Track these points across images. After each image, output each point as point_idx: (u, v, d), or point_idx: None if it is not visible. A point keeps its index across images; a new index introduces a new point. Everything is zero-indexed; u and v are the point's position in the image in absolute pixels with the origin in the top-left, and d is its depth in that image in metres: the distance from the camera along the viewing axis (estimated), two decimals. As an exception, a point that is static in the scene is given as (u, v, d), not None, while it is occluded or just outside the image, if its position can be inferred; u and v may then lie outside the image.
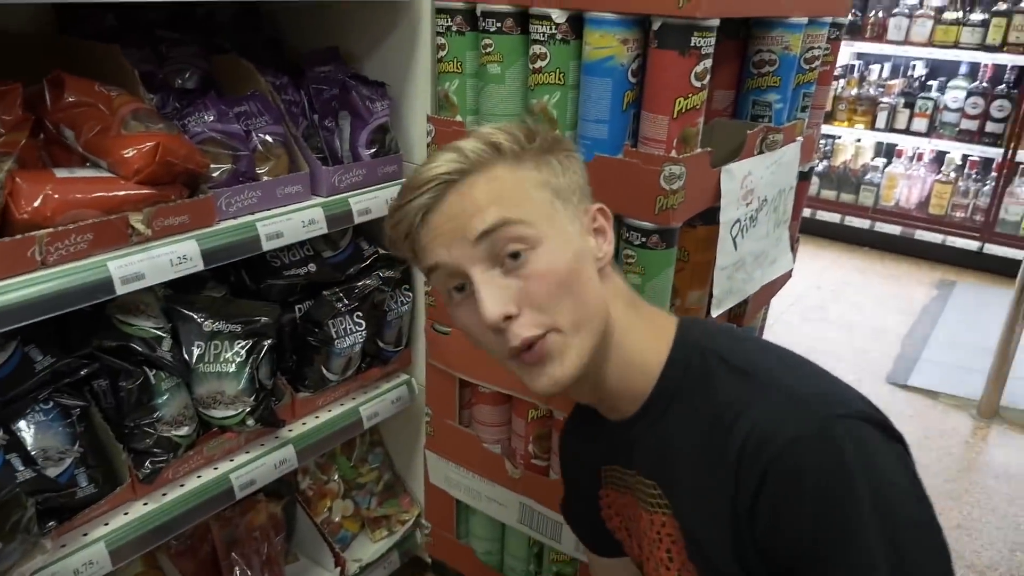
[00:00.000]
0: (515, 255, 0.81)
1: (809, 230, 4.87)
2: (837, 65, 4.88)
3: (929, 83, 4.68)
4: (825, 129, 4.93)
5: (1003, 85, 4.33)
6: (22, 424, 1.14)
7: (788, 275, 1.70)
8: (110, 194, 1.09)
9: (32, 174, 1.06)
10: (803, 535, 0.73)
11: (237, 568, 1.56)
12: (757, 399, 0.79)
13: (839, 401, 0.77)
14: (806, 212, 4.86)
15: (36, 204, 1.02)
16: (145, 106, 1.19)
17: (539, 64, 1.26)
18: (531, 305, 0.81)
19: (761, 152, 1.39)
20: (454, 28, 1.35)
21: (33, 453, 1.13)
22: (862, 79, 4.83)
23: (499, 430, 1.58)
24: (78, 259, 1.07)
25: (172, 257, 1.16)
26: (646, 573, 0.98)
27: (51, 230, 1.03)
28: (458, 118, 1.41)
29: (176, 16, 1.56)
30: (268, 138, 1.35)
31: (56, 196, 1.04)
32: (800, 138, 1.52)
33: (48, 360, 1.18)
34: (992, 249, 4.40)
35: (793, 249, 1.76)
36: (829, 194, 4.90)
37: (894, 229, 4.69)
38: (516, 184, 0.83)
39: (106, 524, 1.22)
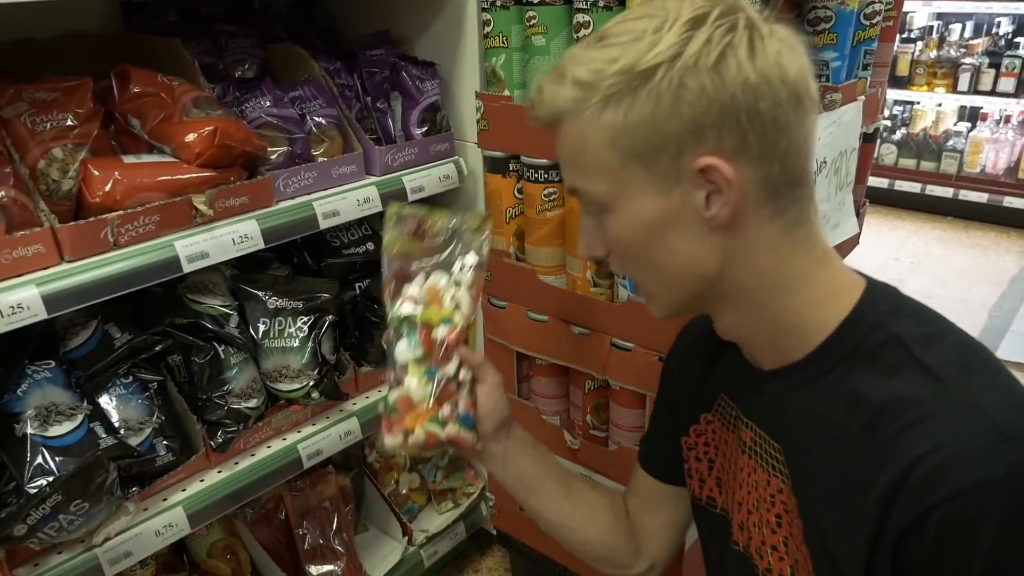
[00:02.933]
0: (595, 211, 0.80)
1: (887, 201, 4.68)
2: (915, 26, 4.63)
3: (1016, 40, 4.40)
4: (903, 95, 4.71)
5: (1099, 37, 4.04)
6: (105, 396, 1.22)
7: (855, 240, 1.65)
8: (174, 177, 1.15)
9: (102, 161, 1.13)
10: None
11: (309, 536, 1.63)
12: (944, 415, 0.68)
13: None
14: (883, 183, 4.67)
15: (107, 189, 1.09)
16: (205, 94, 1.25)
17: (584, 33, 1.26)
18: (615, 256, 0.82)
19: (819, 112, 1.35)
20: (498, 3, 1.36)
21: (115, 423, 1.21)
22: (942, 40, 4.59)
23: (557, 402, 1.60)
24: (147, 239, 1.14)
25: (234, 236, 1.21)
26: (733, 519, 0.91)
27: (121, 212, 1.10)
28: (506, 92, 1.42)
29: (235, 9, 1.62)
30: (322, 121, 1.39)
31: (124, 180, 1.10)
32: (862, 97, 1.47)
33: (126, 337, 1.26)
34: (1089, 213, 4.13)
35: (859, 214, 1.70)
36: (908, 163, 4.69)
37: (980, 197, 4.45)
38: (589, 143, 0.74)
39: (183, 490, 1.29)
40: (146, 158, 1.17)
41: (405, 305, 0.97)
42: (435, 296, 0.98)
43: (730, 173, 0.70)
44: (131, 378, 1.27)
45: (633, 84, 0.70)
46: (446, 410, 0.95)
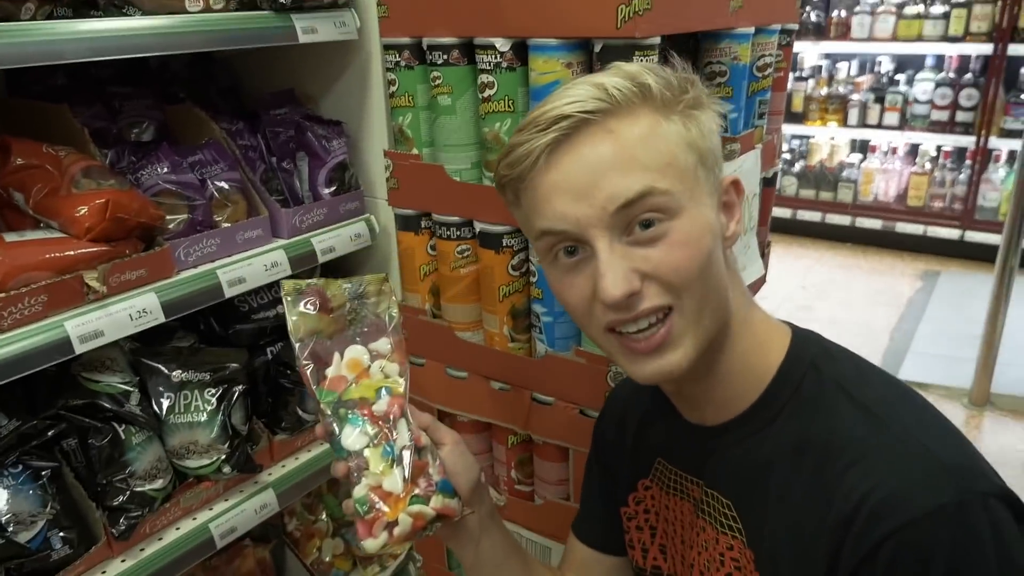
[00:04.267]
0: (647, 223, 0.72)
1: (791, 230, 4.90)
2: (806, 66, 4.92)
3: (897, 77, 4.73)
4: (798, 130, 4.97)
5: (969, 74, 4.39)
6: (-10, 490, 1.13)
7: (762, 280, 1.70)
8: (62, 254, 1.09)
9: (-18, 240, 1.06)
10: None
11: (226, 618, 1.55)
12: (886, 450, 0.70)
13: (979, 475, 0.69)
14: (786, 212, 4.90)
15: (-13, 270, 1.02)
16: (95, 163, 1.19)
17: (488, 93, 1.27)
18: (656, 277, 0.73)
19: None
20: (403, 63, 1.36)
21: (3, 519, 1.12)
22: (831, 78, 4.89)
23: (481, 458, 1.57)
24: (34, 321, 1.07)
25: (131, 312, 1.16)
26: None
27: (3, 295, 1.03)
28: (414, 151, 1.42)
29: (129, 70, 1.56)
30: (224, 185, 1.35)
31: (6, 260, 1.04)
32: (759, 145, 1.53)
33: (14, 424, 1.17)
34: (973, 236, 4.44)
35: (764, 254, 1.76)
36: (808, 193, 4.94)
37: (875, 223, 4.72)
38: (664, 141, 0.72)
39: (82, 585, 1.20)
40: (30, 235, 1.11)
41: (330, 391, 0.87)
42: (360, 369, 0.89)
43: (743, 186, 0.78)
44: (20, 467, 1.17)
45: (700, 99, 0.76)
46: (422, 485, 0.85)
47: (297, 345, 0.88)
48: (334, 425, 0.86)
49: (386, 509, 0.82)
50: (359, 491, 0.83)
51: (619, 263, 0.72)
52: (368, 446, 0.85)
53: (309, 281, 0.92)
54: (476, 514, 0.92)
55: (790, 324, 0.86)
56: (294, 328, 0.88)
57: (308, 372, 0.87)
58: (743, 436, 0.81)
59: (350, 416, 0.86)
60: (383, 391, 0.88)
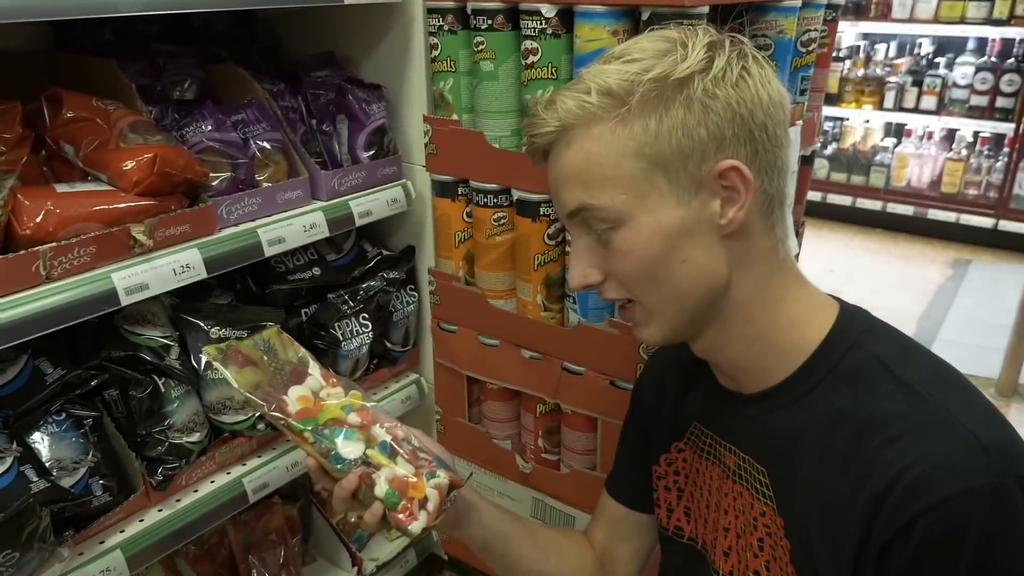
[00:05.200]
0: (597, 229, 0.79)
1: (820, 213, 4.84)
2: (843, 46, 4.83)
3: (937, 60, 4.63)
4: (833, 111, 4.89)
5: (1012, 59, 4.28)
6: (36, 436, 1.16)
7: (795, 258, 1.69)
8: (111, 207, 1.10)
9: (33, 190, 1.07)
10: None
11: (255, 571, 1.58)
12: (926, 429, 0.71)
13: (1019, 457, 0.70)
14: (816, 196, 4.84)
15: (38, 220, 1.04)
16: (143, 118, 1.20)
17: (531, 59, 1.27)
18: (614, 277, 0.81)
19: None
20: (446, 27, 1.36)
21: (47, 464, 1.15)
22: (868, 59, 4.79)
23: (509, 426, 1.59)
24: (82, 272, 1.09)
25: (175, 266, 1.17)
26: (718, 545, 0.92)
27: (54, 244, 1.05)
28: (454, 116, 1.42)
29: (173, 28, 1.57)
30: (266, 145, 1.36)
31: (57, 211, 1.05)
32: (800, 122, 1.51)
33: (58, 372, 1.19)
34: (1007, 226, 4.36)
35: (798, 233, 1.75)
36: (839, 176, 4.87)
37: (906, 209, 4.65)
38: (605, 156, 0.75)
39: (122, 531, 1.23)
40: (80, 187, 1.12)
41: (305, 419, 0.92)
42: (312, 401, 0.95)
43: (748, 175, 0.75)
44: (64, 415, 1.20)
45: (667, 92, 0.73)
46: (424, 464, 0.91)
47: (253, 397, 0.92)
48: (325, 445, 0.90)
49: (413, 491, 0.88)
50: (381, 488, 0.87)
51: (581, 257, 0.82)
52: (366, 449, 0.90)
53: (220, 346, 0.96)
54: (467, 483, 0.97)
55: (839, 300, 0.86)
56: (240, 385, 0.93)
57: (276, 414, 0.91)
58: (778, 406, 0.82)
59: (335, 433, 0.91)
60: (346, 408, 0.94)
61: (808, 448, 0.79)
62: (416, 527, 0.86)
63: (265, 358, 0.98)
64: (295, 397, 0.94)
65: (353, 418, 0.93)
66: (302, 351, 1.01)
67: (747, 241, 0.78)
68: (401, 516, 0.87)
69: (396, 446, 0.91)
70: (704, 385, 0.93)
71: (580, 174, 0.77)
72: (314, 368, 0.99)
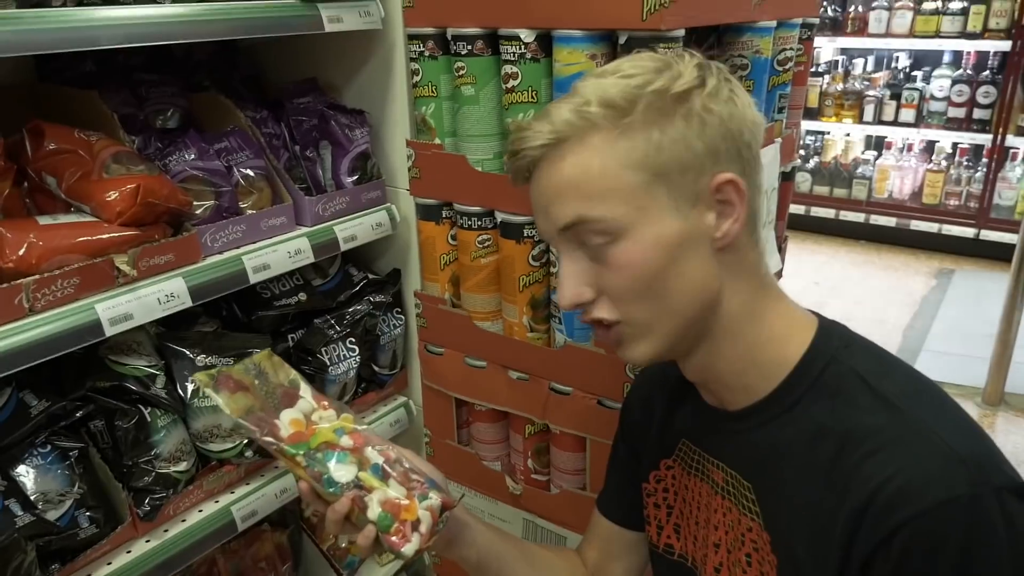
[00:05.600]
0: (592, 242, 0.78)
1: (804, 227, 4.88)
2: (821, 61, 4.89)
3: (914, 74, 4.71)
4: (813, 126, 4.95)
5: (987, 71, 4.36)
6: (20, 469, 1.15)
7: (778, 275, 1.71)
8: (94, 238, 1.10)
9: (15, 223, 1.08)
10: None
11: (245, 600, 1.57)
12: (904, 441, 0.72)
13: (994, 467, 0.71)
14: (800, 209, 4.88)
15: (20, 252, 1.04)
16: (125, 149, 1.21)
17: (512, 84, 1.28)
18: (608, 295, 0.79)
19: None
20: (427, 53, 1.37)
21: (32, 497, 1.14)
22: (847, 74, 4.87)
23: (498, 447, 1.59)
24: (66, 303, 1.09)
25: (160, 296, 1.17)
26: (709, 562, 0.92)
27: (37, 277, 1.05)
28: (436, 140, 1.43)
29: (155, 58, 1.58)
30: (250, 172, 1.36)
31: (40, 243, 1.05)
32: (779, 139, 1.53)
33: (43, 404, 1.19)
34: (988, 235, 4.41)
35: (781, 248, 1.77)
36: (822, 190, 4.92)
37: (889, 221, 4.70)
38: (605, 167, 0.75)
39: (109, 563, 1.22)
40: (63, 218, 1.12)
41: (297, 443, 0.92)
42: (304, 425, 0.95)
43: (744, 188, 0.77)
44: (49, 447, 1.20)
45: (669, 104, 0.75)
46: (416, 486, 0.91)
47: (245, 423, 0.93)
48: (317, 469, 0.90)
49: (405, 513, 0.88)
50: (374, 511, 0.88)
51: (573, 275, 0.80)
52: (359, 472, 0.90)
53: (211, 372, 0.96)
54: (460, 503, 0.97)
55: (818, 315, 0.87)
56: (231, 411, 0.93)
57: (268, 439, 0.92)
58: (761, 422, 0.83)
59: (327, 456, 0.91)
60: (339, 431, 0.94)
61: (791, 463, 0.80)
62: (409, 549, 0.86)
63: (256, 382, 0.98)
64: (287, 421, 0.94)
65: (345, 441, 0.93)
66: (293, 373, 1.01)
67: (737, 255, 0.80)
68: (394, 539, 0.87)
69: (388, 468, 0.91)
70: (690, 402, 0.94)
71: (578, 186, 0.76)
72: (305, 390, 0.99)
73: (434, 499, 0.90)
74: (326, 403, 0.99)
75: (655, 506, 1.02)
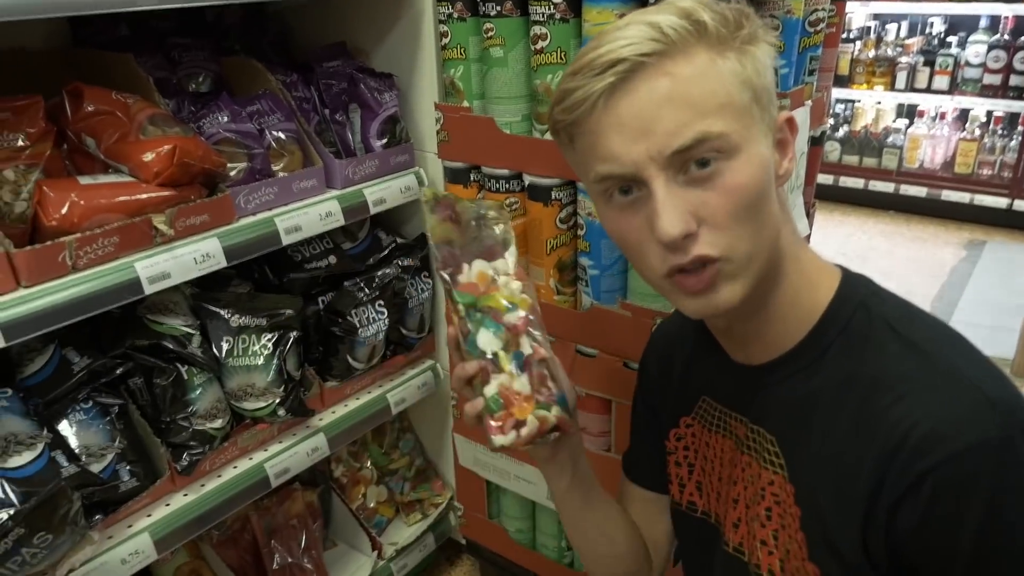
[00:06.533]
0: (704, 162, 0.72)
1: (832, 197, 4.81)
2: (854, 27, 4.75)
3: (948, 39, 4.58)
4: (844, 93, 4.85)
5: (1025, 36, 4.23)
6: (64, 423, 1.19)
7: (806, 240, 1.70)
8: (133, 197, 1.13)
9: (57, 182, 1.10)
10: (961, 544, 0.68)
11: (277, 555, 1.61)
12: (933, 385, 0.71)
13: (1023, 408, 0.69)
14: (828, 179, 4.80)
15: (63, 211, 1.07)
16: (161, 111, 1.23)
17: (540, 45, 1.28)
18: (712, 223, 0.73)
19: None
20: (455, 15, 1.37)
21: (76, 450, 1.18)
22: (879, 40, 4.74)
23: (524, 409, 1.61)
24: (106, 261, 1.12)
25: (196, 255, 1.20)
26: (728, 518, 0.92)
27: (79, 235, 1.08)
28: (465, 103, 1.43)
29: (186, 22, 1.59)
30: (281, 135, 1.38)
31: (81, 202, 1.08)
32: (809, 102, 1.51)
33: (85, 361, 1.23)
34: (1022, 205, 4.31)
35: (809, 214, 1.75)
36: (851, 159, 4.83)
37: (919, 191, 4.61)
38: (720, 80, 0.72)
39: (149, 515, 1.27)
40: (103, 178, 1.15)
41: (467, 293, 0.91)
42: (487, 282, 0.93)
43: (797, 125, 0.78)
44: (91, 403, 1.24)
45: (758, 33, 0.75)
46: (545, 393, 0.89)
47: (434, 248, 0.92)
48: (469, 326, 0.89)
49: (515, 409, 0.87)
50: (491, 390, 0.87)
51: (677, 203, 0.72)
52: (500, 350, 0.88)
53: (441, 193, 0.95)
54: (578, 434, 0.95)
55: (840, 266, 0.87)
56: (432, 233, 0.93)
57: (445, 274, 0.91)
58: (790, 373, 0.83)
59: (484, 320, 0.89)
60: (511, 305, 0.92)
61: (820, 413, 0.79)
62: (498, 441, 0.86)
63: (473, 223, 0.95)
64: (475, 271, 0.93)
65: (509, 318, 0.90)
66: (511, 236, 0.97)
67: (781, 196, 0.80)
68: (493, 423, 0.86)
69: (531, 364, 0.89)
70: (712, 358, 0.93)
71: (695, 102, 0.71)
72: (511, 254, 0.96)
73: (551, 414, 0.88)
74: (521, 275, 0.96)
75: (676, 464, 1.02)
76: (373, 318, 1.56)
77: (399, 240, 1.68)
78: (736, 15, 0.73)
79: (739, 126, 0.72)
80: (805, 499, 0.81)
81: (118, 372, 1.26)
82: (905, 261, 3.91)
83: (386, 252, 1.64)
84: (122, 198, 1.12)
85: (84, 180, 1.13)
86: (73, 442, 1.19)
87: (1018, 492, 0.67)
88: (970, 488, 0.67)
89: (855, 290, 0.82)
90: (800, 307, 0.82)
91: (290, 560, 1.63)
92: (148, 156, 1.13)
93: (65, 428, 1.19)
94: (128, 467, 1.25)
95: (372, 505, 1.86)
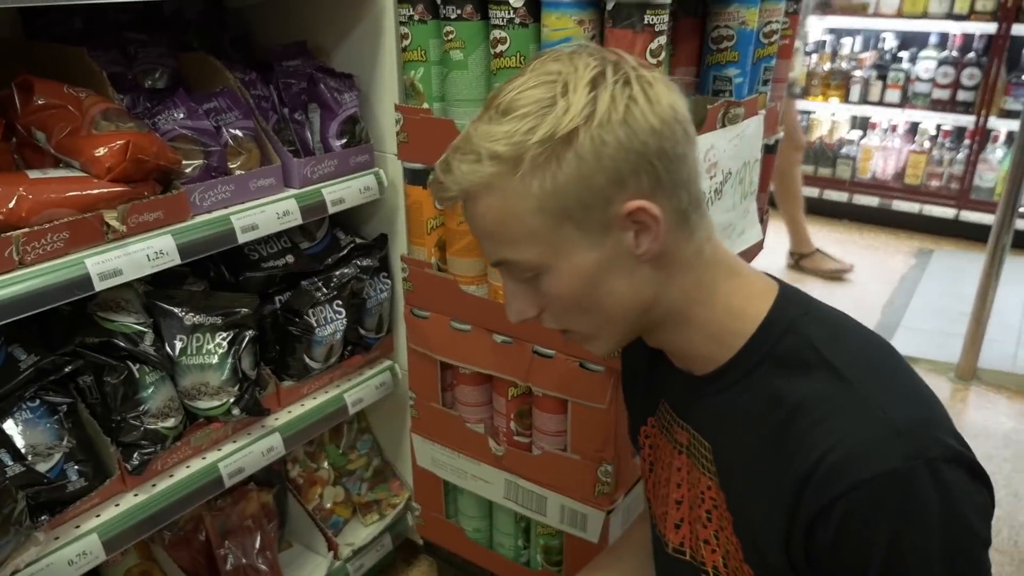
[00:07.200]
0: (526, 276, 0.82)
1: (788, 205, 4.91)
2: (810, 40, 4.85)
3: (900, 54, 4.72)
4: (800, 105, 4.97)
5: (972, 53, 4.37)
6: (10, 422, 1.17)
7: (759, 246, 1.74)
8: (84, 193, 1.11)
9: (5, 176, 1.08)
10: (872, 564, 0.71)
11: (231, 556, 1.59)
12: (847, 412, 0.74)
13: (932, 439, 0.72)
14: (784, 187, 4.92)
15: (10, 205, 1.05)
16: (114, 106, 1.21)
17: (500, 48, 1.29)
18: (549, 310, 0.84)
19: (723, 126, 1.42)
20: (416, 17, 1.38)
21: (22, 449, 1.16)
22: (834, 53, 4.87)
23: (481, 409, 1.62)
24: (56, 257, 1.10)
25: (148, 252, 1.18)
26: (669, 518, 0.96)
27: (27, 230, 1.06)
28: (425, 105, 1.44)
29: (143, 16, 1.57)
30: (239, 133, 1.37)
31: (30, 196, 1.06)
32: (763, 111, 1.55)
33: (32, 359, 1.20)
34: (968, 216, 4.46)
35: (762, 221, 1.80)
36: (807, 168, 4.94)
37: (872, 201, 4.74)
38: (512, 214, 0.77)
39: (98, 516, 1.25)
40: (53, 173, 1.13)
41: None
42: None
43: (655, 210, 0.76)
44: (38, 401, 1.21)
45: (557, 149, 0.73)
46: None
47: None
48: None
49: None
50: None
51: (516, 295, 0.85)
52: None
53: None
54: None
55: (779, 282, 0.89)
56: None
57: None
58: (721, 388, 0.86)
59: None
60: None
61: (747, 428, 0.83)
62: None
63: None
64: None
65: None
66: None
67: (668, 258, 0.80)
68: None
69: None
70: (663, 365, 0.97)
71: (492, 232, 0.79)
72: None
73: None
74: None
75: (643, 460, 1.06)
76: (331, 318, 1.56)
77: (358, 240, 1.68)
78: (518, 150, 0.74)
79: (542, 249, 0.78)
80: (735, 506, 0.85)
81: (67, 370, 1.24)
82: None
83: (345, 252, 1.64)
84: (73, 193, 1.10)
85: (33, 174, 1.11)
86: (19, 441, 1.16)
87: (921, 520, 0.70)
88: (876, 515, 0.70)
89: (785, 312, 0.84)
90: (724, 333, 0.85)
91: (244, 561, 1.61)
92: (100, 151, 1.12)
93: (10, 427, 1.16)
94: (76, 467, 1.23)
95: (329, 506, 1.85)
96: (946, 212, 4.52)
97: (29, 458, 1.16)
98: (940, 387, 2.97)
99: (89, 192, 1.12)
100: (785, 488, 0.76)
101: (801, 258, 4.01)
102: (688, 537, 0.93)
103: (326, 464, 1.86)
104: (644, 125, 0.74)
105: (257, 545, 1.64)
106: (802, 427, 0.76)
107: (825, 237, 4.58)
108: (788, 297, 0.86)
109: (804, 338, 0.81)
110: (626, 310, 0.82)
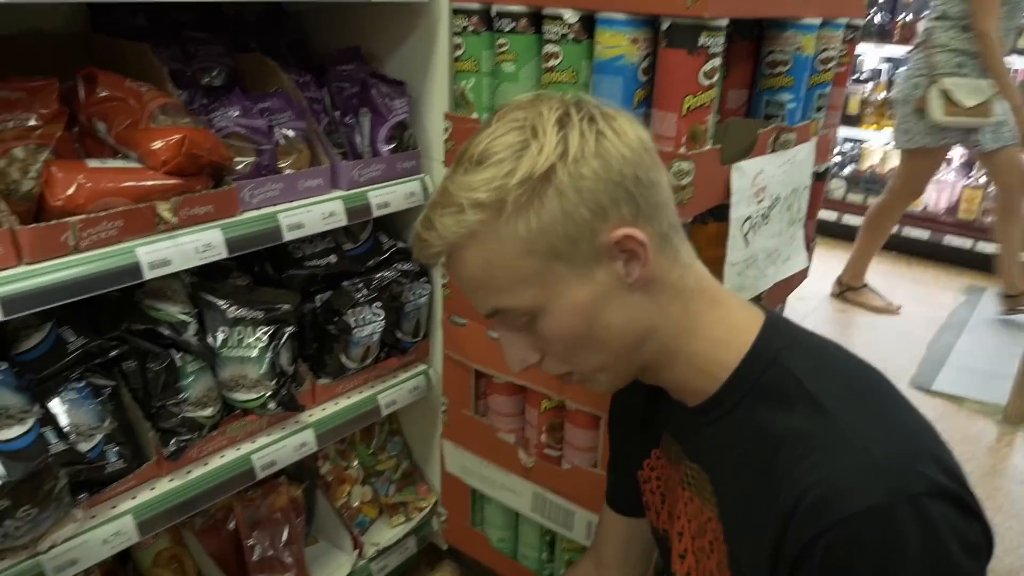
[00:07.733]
0: (522, 322, 0.82)
1: (836, 234, 4.83)
2: (865, 68, 4.78)
3: (959, 86, 4.61)
4: (852, 133, 4.89)
5: (1035, 87, 4.26)
6: (56, 401, 1.20)
7: (804, 274, 1.71)
8: (139, 183, 1.15)
9: (66, 163, 1.12)
10: None
11: (258, 547, 1.61)
12: (829, 448, 0.73)
13: (916, 475, 0.70)
14: (832, 216, 4.83)
15: (69, 192, 1.08)
16: (173, 101, 1.25)
17: (552, 63, 1.30)
18: (550, 353, 0.85)
19: (773, 151, 1.41)
20: (470, 28, 1.40)
21: (65, 428, 1.19)
22: (890, 83, 4.78)
23: (513, 420, 1.62)
24: (108, 244, 1.13)
25: (197, 245, 1.21)
26: (672, 547, 0.96)
27: (83, 216, 1.09)
28: (474, 115, 1.46)
29: (204, 16, 1.62)
30: (290, 133, 1.40)
31: (88, 184, 1.10)
32: (814, 138, 1.54)
33: (80, 341, 1.24)
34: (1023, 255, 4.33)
35: (809, 248, 1.77)
36: (856, 198, 4.86)
37: (922, 234, 4.62)
38: (501, 260, 0.78)
39: (133, 498, 1.28)
40: (111, 163, 1.17)
41: None
42: None
43: (641, 236, 0.77)
44: (84, 383, 1.25)
45: (538, 188, 0.75)
46: None
47: None
48: None
49: None
50: None
51: (513, 344, 0.85)
52: None
53: None
54: None
55: (765, 310, 0.88)
56: None
57: None
58: (711, 420, 0.86)
59: None
60: None
61: (737, 459, 0.83)
62: None
63: None
64: None
65: None
66: None
67: (656, 283, 0.82)
68: None
69: None
70: (663, 398, 0.97)
71: (482, 283, 0.80)
72: None
73: None
74: None
75: (651, 492, 1.06)
76: (369, 319, 1.58)
77: (400, 244, 1.70)
78: (499, 194, 0.75)
79: (534, 291, 0.78)
80: (730, 539, 0.84)
81: (112, 354, 1.28)
82: (905, 302, 3.91)
83: (386, 255, 1.66)
84: (128, 183, 1.14)
85: (92, 163, 1.14)
86: (63, 420, 1.20)
87: (902, 557, 0.68)
88: (857, 551, 0.69)
89: (770, 343, 0.84)
90: (709, 364, 0.85)
91: (271, 553, 1.63)
92: (157, 144, 1.15)
93: (56, 405, 1.20)
94: (116, 448, 1.26)
95: (356, 504, 1.86)
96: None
97: (72, 437, 1.20)
98: (986, 430, 2.88)
99: (144, 183, 1.15)
100: (771, 523, 0.75)
101: (849, 290, 3.93)
102: (694, 569, 0.93)
103: (356, 463, 1.88)
104: (616, 155, 0.76)
105: (284, 538, 1.66)
106: (786, 461, 0.75)
107: (872, 268, 4.48)
108: (775, 326, 0.86)
109: (787, 370, 0.80)
110: (624, 342, 0.83)
